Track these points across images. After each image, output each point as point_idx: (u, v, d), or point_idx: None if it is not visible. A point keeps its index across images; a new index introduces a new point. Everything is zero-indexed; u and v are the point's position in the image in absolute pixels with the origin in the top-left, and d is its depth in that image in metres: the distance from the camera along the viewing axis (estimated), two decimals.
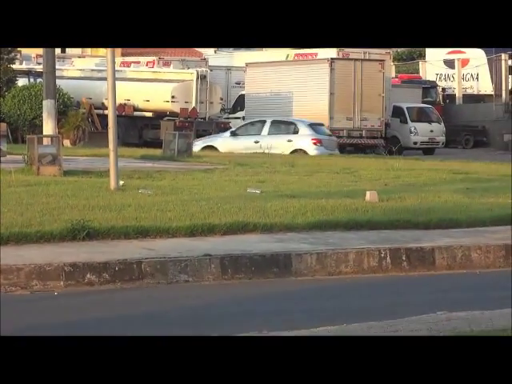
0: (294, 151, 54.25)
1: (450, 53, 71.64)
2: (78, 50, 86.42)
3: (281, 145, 54.61)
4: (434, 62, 73.27)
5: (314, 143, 55.38)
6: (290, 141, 55.20)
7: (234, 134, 57.33)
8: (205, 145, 54.58)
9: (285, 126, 59.20)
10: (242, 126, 59.36)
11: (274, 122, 59.15)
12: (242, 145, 54.46)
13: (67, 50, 72.29)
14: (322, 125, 59.14)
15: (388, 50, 78.76)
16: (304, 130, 56.96)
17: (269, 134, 55.62)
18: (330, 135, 57.78)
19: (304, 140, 56.15)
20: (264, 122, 59.24)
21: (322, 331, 12.50)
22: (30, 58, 59.27)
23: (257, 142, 54.80)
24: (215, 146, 54.93)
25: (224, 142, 55.31)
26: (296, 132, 57.47)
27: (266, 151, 53.52)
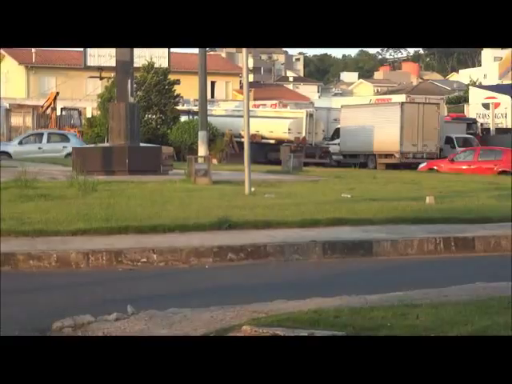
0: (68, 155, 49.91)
1: (486, 98, 70.80)
2: (222, 95, 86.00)
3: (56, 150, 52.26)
4: (474, 105, 72.39)
5: None
6: (64, 147, 52.02)
7: (20, 143, 54.74)
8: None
9: (59, 136, 56.65)
10: (26, 136, 57.27)
11: (50, 134, 57.37)
12: (28, 150, 52.02)
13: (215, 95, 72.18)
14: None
15: (442, 96, 78.00)
16: (73, 140, 54.28)
17: (48, 143, 53.75)
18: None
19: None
20: (42, 133, 57.14)
21: (391, 296, 12.66)
22: (189, 101, 59.31)
23: (40, 148, 52.49)
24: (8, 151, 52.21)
25: (14, 149, 52.67)
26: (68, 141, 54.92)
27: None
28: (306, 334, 10.45)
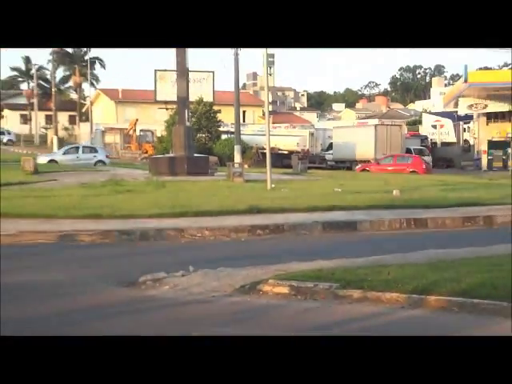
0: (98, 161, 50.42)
1: (434, 121, 70.56)
2: (250, 120, 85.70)
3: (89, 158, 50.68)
4: (426, 126, 72.20)
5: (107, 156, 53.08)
6: (94, 156, 50.84)
7: (64, 153, 52.09)
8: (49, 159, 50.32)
9: (90, 149, 54.40)
10: (68, 149, 54.71)
11: (84, 147, 55.66)
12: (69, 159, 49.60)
13: (245, 120, 72.30)
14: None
15: (403, 120, 77.68)
16: (100, 152, 52.67)
17: (83, 153, 51.63)
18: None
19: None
20: (78, 147, 55.51)
21: (370, 259, 12.69)
22: (227, 124, 59.11)
23: (77, 157, 50.17)
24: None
25: (60, 158, 50.45)
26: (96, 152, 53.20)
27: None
28: (312, 285, 10.59)
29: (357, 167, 48.22)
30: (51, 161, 48.19)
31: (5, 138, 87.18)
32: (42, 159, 48.06)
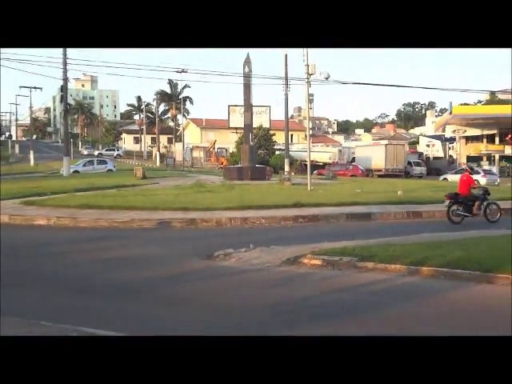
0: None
1: (428, 142, 70.18)
2: (296, 141, 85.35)
3: (101, 168, 48.25)
4: (422, 145, 71.48)
5: (114, 166, 50.74)
6: (105, 167, 48.81)
7: (83, 165, 49.01)
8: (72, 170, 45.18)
9: (102, 162, 51.34)
10: (86, 162, 51.06)
11: (98, 160, 52.30)
12: (87, 169, 47.34)
13: (293, 141, 72.46)
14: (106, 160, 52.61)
15: (406, 141, 76.77)
16: (109, 163, 49.81)
17: (97, 165, 49.18)
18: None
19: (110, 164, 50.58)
20: (93, 160, 52.23)
21: (381, 240, 12.63)
22: (279, 143, 58.75)
23: (93, 168, 47.75)
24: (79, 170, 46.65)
25: (81, 169, 47.25)
26: (106, 163, 51.17)
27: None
28: (338, 258, 10.51)
29: (315, 171, 45.74)
30: (75, 171, 45.11)
31: (115, 153, 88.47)
32: (67, 171, 44.27)
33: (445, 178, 44.92)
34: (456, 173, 46.98)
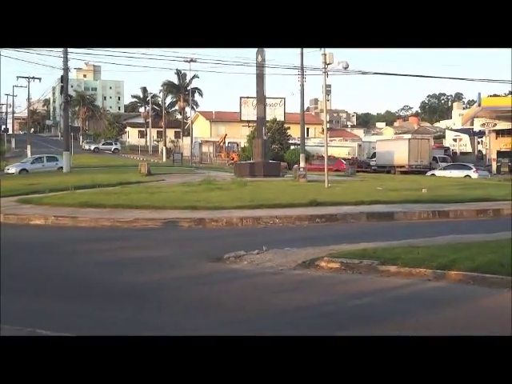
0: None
1: (455, 136, 70.06)
2: (312, 135, 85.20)
3: (52, 166, 45.06)
4: (448, 140, 71.27)
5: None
6: (56, 164, 44.95)
7: (31, 163, 46.74)
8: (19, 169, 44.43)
9: (52, 158, 47.31)
10: (35, 159, 47.99)
11: (47, 156, 47.77)
12: (36, 167, 44.87)
13: (309, 135, 72.23)
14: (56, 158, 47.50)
15: (431, 135, 76.52)
16: (60, 160, 44.45)
17: (47, 162, 46.19)
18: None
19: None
20: (42, 157, 47.70)
21: (403, 242, 12.53)
22: (295, 138, 58.61)
23: (43, 165, 45.29)
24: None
25: (29, 167, 45.36)
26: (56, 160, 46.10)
27: None
28: (358, 261, 10.43)
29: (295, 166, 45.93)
30: (22, 170, 44.45)
31: (112, 148, 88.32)
32: (14, 169, 44.23)
33: (433, 174, 45.06)
34: (445, 169, 47.11)
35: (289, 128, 58.58)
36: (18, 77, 71.92)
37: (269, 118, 47.34)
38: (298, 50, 38.12)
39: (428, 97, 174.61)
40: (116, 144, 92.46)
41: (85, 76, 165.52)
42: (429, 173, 46.38)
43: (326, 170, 28.58)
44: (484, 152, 63.88)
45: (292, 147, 55.85)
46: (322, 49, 29.31)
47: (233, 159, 59.14)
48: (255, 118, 39.62)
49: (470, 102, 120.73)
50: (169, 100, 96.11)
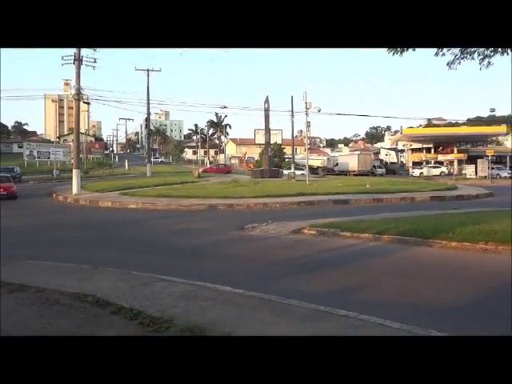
0: None
1: (386, 152, 69.38)
2: (299, 152, 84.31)
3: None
4: (382, 155, 70.55)
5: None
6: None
7: None
8: None
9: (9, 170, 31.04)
10: None
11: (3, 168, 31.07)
12: None
13: (296, 152, 71.28)
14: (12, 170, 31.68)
15: (372, 151, 75.27)
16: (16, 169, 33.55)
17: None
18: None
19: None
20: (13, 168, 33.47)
21: (357, 217, 12.46)
22: (288, 154, 57.93)
23: None
24: None
25: None
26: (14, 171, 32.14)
27: None
28: (327, 230, 10.35)
29: (201, 168, 40.25)
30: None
31: (159, 160, 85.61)
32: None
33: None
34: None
35: (284, 148, 57.95)
36: (120, 118, 72.44)
37: (272, 141, 46.91)
38: (289, 100, 37.93)
39: (370, 128, 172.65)
40: (161, 158, 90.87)
41: (159, 117, 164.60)
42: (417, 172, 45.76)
43: (307, 173, 28.33)
44: (404, 162, 63.65)
45: (286, 160, 55.35)
46: (304, 99, 29.13)
47: (250, 167, 58.68)
48: (264, 142, 39.43)
49: (396, 132, 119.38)
50: (211, 131, 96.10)
